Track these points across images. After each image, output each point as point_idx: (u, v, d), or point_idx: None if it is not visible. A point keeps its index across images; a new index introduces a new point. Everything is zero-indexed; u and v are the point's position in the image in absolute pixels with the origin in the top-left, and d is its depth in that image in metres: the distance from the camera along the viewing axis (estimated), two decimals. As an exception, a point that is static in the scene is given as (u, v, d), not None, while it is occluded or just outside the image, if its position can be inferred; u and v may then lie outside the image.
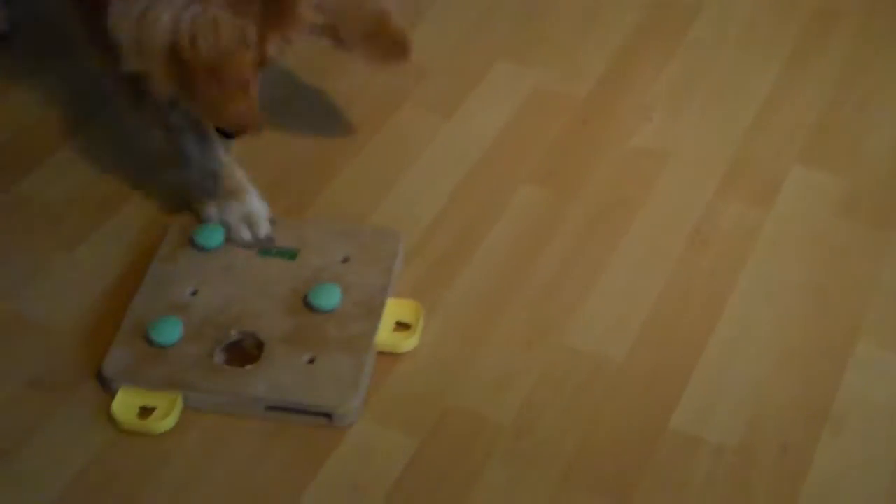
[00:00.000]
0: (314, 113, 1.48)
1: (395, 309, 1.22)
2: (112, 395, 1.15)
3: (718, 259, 1.31)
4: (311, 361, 1.16)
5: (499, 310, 1.25)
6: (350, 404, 1.13)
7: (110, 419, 1.13)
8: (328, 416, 1.13)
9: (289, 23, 1.13)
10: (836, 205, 1.36)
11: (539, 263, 1.30)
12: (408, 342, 1.20)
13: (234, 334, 1.19)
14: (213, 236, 1.28)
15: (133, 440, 1.13)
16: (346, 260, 1.26)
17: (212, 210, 1.29)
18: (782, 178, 1.40)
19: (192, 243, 1.28)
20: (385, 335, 1.20)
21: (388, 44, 1.23)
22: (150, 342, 1.17)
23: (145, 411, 1.14)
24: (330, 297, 1.21)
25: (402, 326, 1.21)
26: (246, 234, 1.28)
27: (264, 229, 1.28)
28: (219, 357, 1.17)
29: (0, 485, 1.10)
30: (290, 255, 1.26)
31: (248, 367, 1.16)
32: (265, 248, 1.27)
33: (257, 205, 1.29)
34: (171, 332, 1.18)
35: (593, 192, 1.39)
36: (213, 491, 1.09)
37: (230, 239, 1.28)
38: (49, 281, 1.29)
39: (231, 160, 1.31)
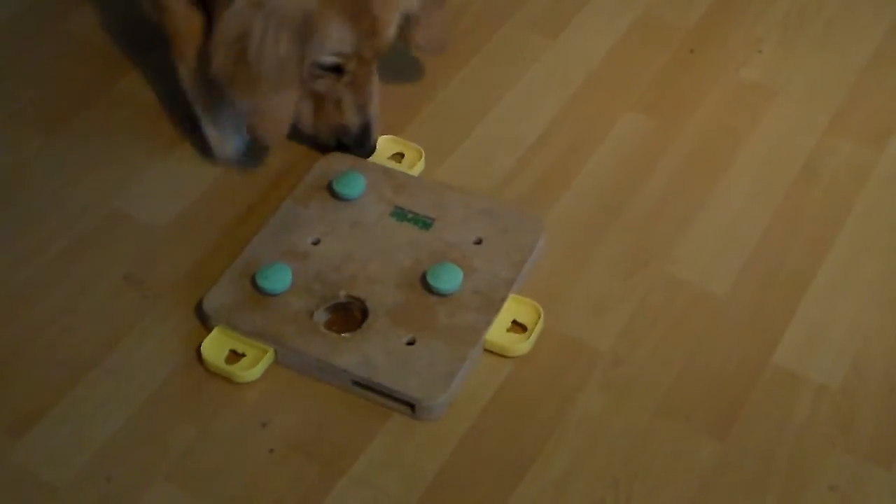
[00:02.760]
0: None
1: (513, 307, 1.13)
2: (208, 331, 1.13)
3: (827, 197, 1.27)
4: (411, 343, 1.09)
5: (599, 236, 1.23)
6: (436, 400, 1.05)
7: (199, 356, 1.11)
8: (412, 406, 1.07)
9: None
10: (953, 149, 1.32)
11: (641, 192, 1.27)
12: (520, 346, 1.11)
13: (342, 296, 1.13)
14: (352, 185, 1.22)
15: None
16: (479, 241, 1.17)
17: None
18: (897, 118, 1.35)
19: (329, 189, 1.23)
20: (497, 334, 1.11)
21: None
22: (255, 286, 1.13)
23: (234, 355, 1.11)
24: (449, 280, 1.12)
25: (517, 326, 1.12)
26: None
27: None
28: (320, 316, 1.12)
29: (102, 375, 1.11)
30: (425, 223, 1.19)
31: (346, 334, 1.10)
32: (402, 211, 1.20)
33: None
34: (279, 280, 1.13)
35: (699, 123, 1.35)
36: (274, 443, 1.06)
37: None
38: (148, 181, 1.29)
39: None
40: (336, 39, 1.16)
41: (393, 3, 1.19)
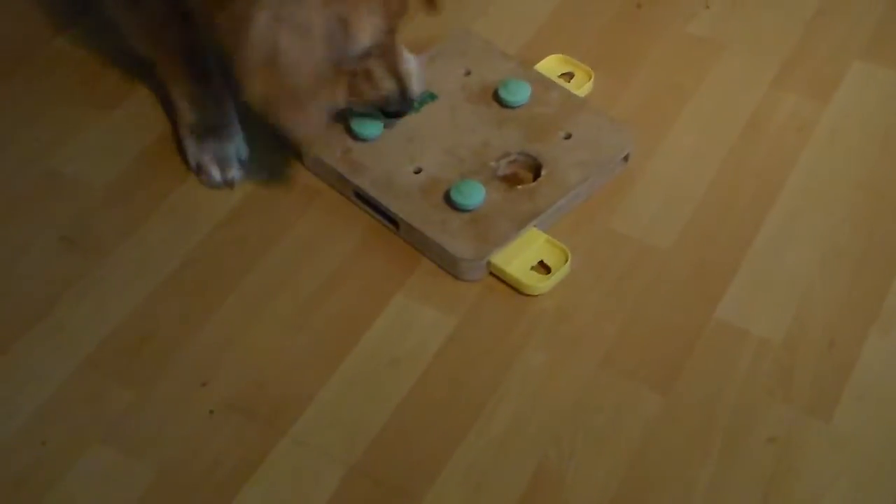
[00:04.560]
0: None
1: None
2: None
3: (771, 152, 1.27)
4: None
5: (544, 191, 1.22)
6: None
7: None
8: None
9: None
10: (896, 102, 1.32)
11: (587, 147, 1.27)
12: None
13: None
14: (371, 125, 1.22)
15: (169, 303, 1.12)
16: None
17: (191, 144, 1.23)
18: (842, 72, 1.35)
19: (347, 130, 1.22)
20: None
21: None
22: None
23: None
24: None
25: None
26: (216, 176, 1.21)
27: (234, 173, 1.21)
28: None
29: (37, 338, 1.09)
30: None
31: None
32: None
33: (234, 148, 1.22)
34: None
35: (645, 79, 1.34)
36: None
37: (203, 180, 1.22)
38: (85, 140, 1.26)
39: (223, 96, 1.23)
40: (371, 32, 1.08)
41: None
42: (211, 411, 1.04)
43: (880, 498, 0.99)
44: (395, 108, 1.19)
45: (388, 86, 1.15)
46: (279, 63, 1.02)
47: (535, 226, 1.16)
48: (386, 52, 1.13)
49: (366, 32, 1.07)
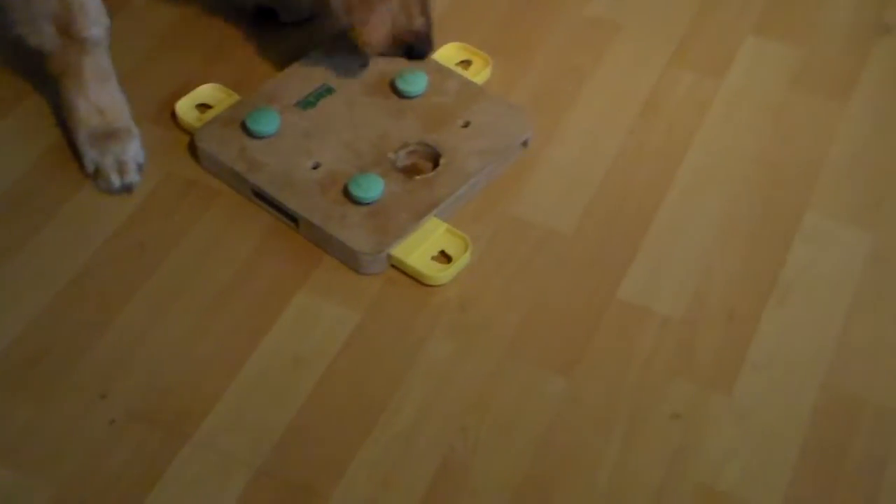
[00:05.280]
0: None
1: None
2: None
3: (669, 130, 1.28)
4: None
5: (444, 181, 1.22)
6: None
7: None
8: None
9: None
10: (789, 75, 1.33)
11: (486, 134, 1.27)
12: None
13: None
14: (268, 122, 1.21)
15: (66, 314, 1.10)
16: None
17: (89, 149, 1.21)
18: (736, 48, 1.36)
19: (243, 128, 1.21)
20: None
21: None
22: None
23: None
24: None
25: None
26: (115, 181, 1.19)
27: (132, 177, 1.20)
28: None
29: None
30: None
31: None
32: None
33: (133, 151, 1.21)
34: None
35: (542, 63, 1.35)
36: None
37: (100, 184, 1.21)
38: (-26, 151, 1.24)
39: (121, 97, 1.23)
40: None
41: None
42: (112, 422, 1.02)
43: (779, 466, 1.00)
44: (421, 48, 1.27)
45: (419, 22, 1.24)
46: None
47: (435, 215, 1.16)
48: None
49: None
